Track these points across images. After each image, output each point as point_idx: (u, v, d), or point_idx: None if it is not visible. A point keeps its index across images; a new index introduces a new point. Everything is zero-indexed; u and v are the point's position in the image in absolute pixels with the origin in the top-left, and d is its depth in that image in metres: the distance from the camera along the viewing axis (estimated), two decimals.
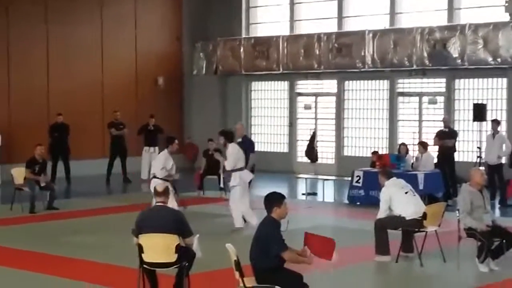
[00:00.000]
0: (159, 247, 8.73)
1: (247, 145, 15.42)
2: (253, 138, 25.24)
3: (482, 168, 11.97)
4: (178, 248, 8.71)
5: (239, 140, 15.47)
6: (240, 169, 14.24)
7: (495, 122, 18.44)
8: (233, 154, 14.18)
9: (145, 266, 8.87)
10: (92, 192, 20.02)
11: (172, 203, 13.94)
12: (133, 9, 25.54)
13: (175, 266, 8.83)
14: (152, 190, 14.07)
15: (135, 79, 25.67)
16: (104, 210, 17.11)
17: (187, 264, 8.82)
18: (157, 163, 14.16)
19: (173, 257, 8.71)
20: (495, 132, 18.28)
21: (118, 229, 13.85)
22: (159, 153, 22.01)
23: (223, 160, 18.90)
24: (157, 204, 9.07)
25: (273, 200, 8.23)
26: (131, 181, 21.95)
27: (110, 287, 10.22)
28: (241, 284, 8.05)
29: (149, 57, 25.94)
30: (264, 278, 8.06)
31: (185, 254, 8.79)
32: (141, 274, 8.94)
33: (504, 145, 18.13)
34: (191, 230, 9.01)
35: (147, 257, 8.77)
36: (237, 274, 8.06)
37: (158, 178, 13.92)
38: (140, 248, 8.78)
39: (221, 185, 18.64)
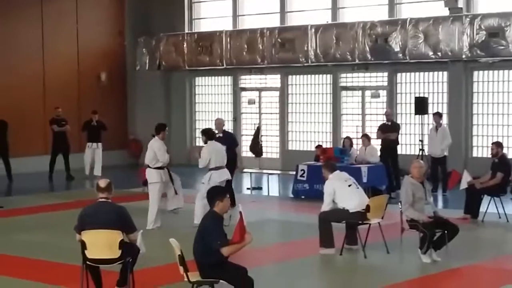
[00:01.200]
0: (102, 244, 8.64)
1: (229, 140, 15.37)
2: (197, 133, 25.25)
3: (422, 161, 12.10)
4: (122, 244, 8.65)
5: (220, 135, 15.38)
6: (215, 168, 13.87)
7: (437, 115, 18.65)
8: (205, 153, 13.82)
9: (88, 262, 8.77)
10: (34, 189, 19.73)
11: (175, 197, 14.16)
12: (74, 4, 25.18)
13: (119, 262, 8.75)
14: (149, 180, 13.95)
15: (77, 75, 25.34)
16: (47, 207, 16.87)
17: (131, 260, 8.76)
18: (148, 152, 13.90)
19: (116, 253, 8.64)
20: (437, 125, 18.49)
21: (61, 227, 13.73)
22: (102, 149, 22.21)
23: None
24: (100, 199, 8.89)
25: (216, 194, 8.24)
26: (74, 178, 21.69)
27: (54, 285, 10.08)
28: (186, 279, 8.04)
29: (91, 53, 25.66)
30: (208, 272, 8.04)
31: (129, 250, 8.73)
32: (84, 271, 8.86)
33: (445, 139, 18.35)
34: (134, 225, 8.94)
35: (90, 253, 8.68)
36: (181, 269, 8.04)
37: (151, 168, 13.85)
38: (83, 245, 8.69)
39: None
